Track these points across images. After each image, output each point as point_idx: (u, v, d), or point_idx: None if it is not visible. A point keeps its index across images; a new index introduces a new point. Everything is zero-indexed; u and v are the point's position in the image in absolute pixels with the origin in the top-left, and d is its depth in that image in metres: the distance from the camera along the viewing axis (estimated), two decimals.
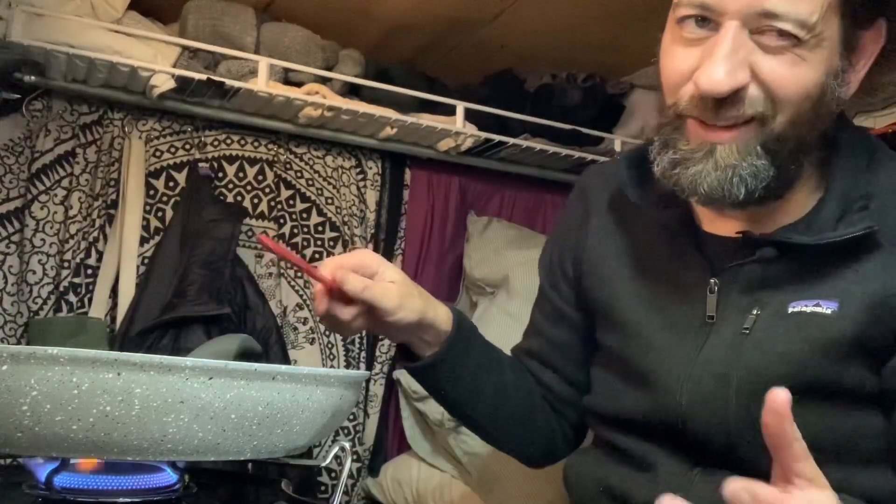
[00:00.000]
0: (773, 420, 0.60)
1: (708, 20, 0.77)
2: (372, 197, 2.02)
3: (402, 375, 1.87)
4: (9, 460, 1.16)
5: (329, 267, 0.87)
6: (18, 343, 1.62)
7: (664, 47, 0.83)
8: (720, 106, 0.77)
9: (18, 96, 1.66)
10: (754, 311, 0.83)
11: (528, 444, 1.06)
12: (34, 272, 1.65)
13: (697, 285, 0.88)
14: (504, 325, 1.73)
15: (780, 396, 0.59)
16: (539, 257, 1.12)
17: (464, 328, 0.97)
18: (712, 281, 0.86)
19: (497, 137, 1.92)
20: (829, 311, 0.79)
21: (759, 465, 0.77)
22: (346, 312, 0.88)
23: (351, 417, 1.87)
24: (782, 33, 0.74)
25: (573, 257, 1.03)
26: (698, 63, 0.77)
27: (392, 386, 1.92)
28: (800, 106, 0.77)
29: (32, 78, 1.61)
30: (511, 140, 1.94)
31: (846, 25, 0.77)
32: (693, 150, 0.79)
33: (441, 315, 0.95)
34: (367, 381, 1.91)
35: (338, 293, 0.87)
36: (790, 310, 0.81)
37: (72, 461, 0.87)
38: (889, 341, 0.79)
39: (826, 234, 0.80)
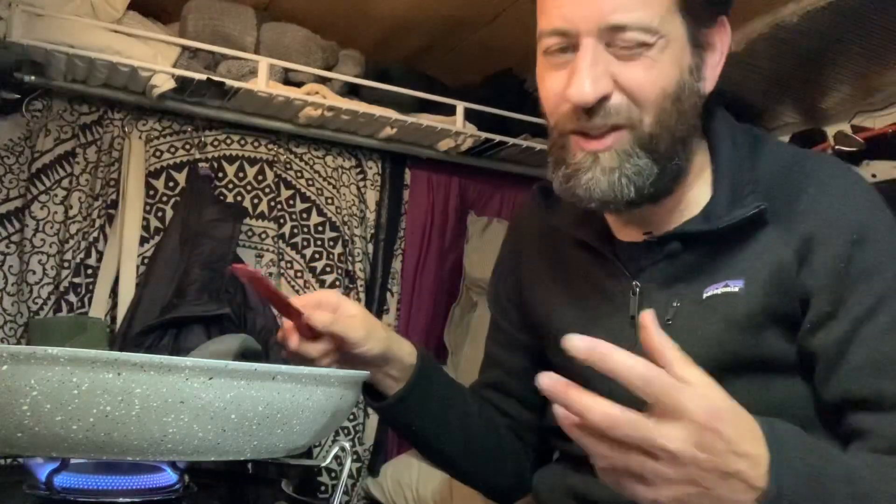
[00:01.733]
0: (645, 335, 0.68)
1: (568, 46, 0.84)
2: (372, 197, 2.02)
3: None
4: (9, 460, 1.16)
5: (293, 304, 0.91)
6: (18, 343, 1.62)
7: (538, 77, 0.90)
8: (591, 115, 0.84)
9: (18, 96, 1.66)
10: (674, 304, 0.89)
11: (498, 475, 1.09)
12: (34, 272, 1.65)
13: (621, 291, 0.94)
14: None
15: (647, 316, 0.68)
16: (486, 291, 1.15)
17: (427, 360, 1.01)
18: (634, 283, 0.92)
19: (497, 137, 1.92)
20: (737, 289, 0.86)
21: None
22: (314, 349, 0.93)
23: (351, 417, 1.87)
24: (631, 41, 0.82)
25: (514, 286, 1.09)
26: (567, 82, 0.84)
27: None
28: (661, 104, 0.83)
29: (32, 78, 1.61)
30: (511, 140, 1.94)
31: (690, 24, 0.84)
32: (580, 161, 0.86)
33: (405, 348, 0.99)
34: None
35: (305, 330, 0.91)
36: (705, 295, 0.88)
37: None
38: (796, 307, 0.85)
39: (721, 220, 0.87)
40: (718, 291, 0.87)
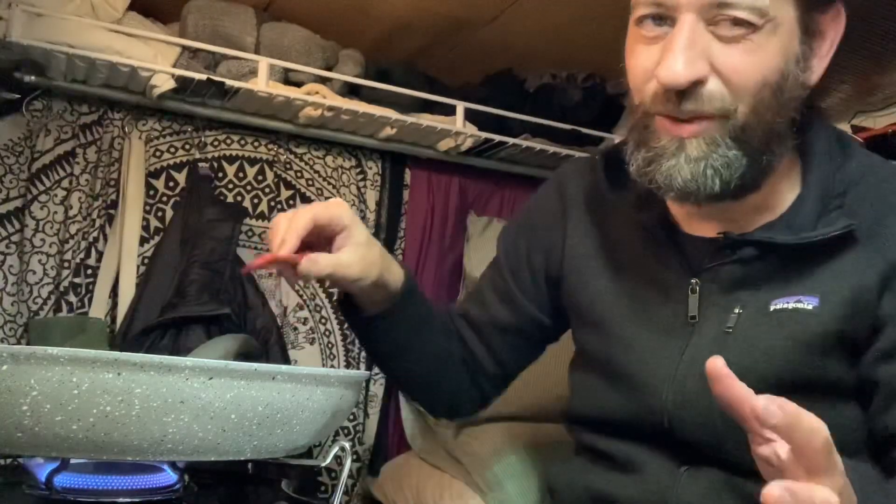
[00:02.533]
0: (722, 388, 0.60)
1: (665, 17, 0.78)
2: (372, 197, 2.02)
3: None
4: (9, 460, 1.16)
5: (301, 227, 0.85)
6: (18, 343, 1.62)
7: (628, 49, 0.84)
8: (682, 99, 0.77)
9: (18, 96, 1.66)
10: (736, 310, 0.84)
11: (435, 399, 1.12)
12: (34, 272, 1.65)
13: (678, 286, 0.89)
14: None
15: (716, 364, 0.60)
16: (500, 233, 1.11)
17: (410, 291, 0.99)
18: (693, 281, 0.87)
19: (497, 137, 1.92)
20: (810, 307, 0.81)
21: (745, 462, 0.78)
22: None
23: (351, 417, 1.87)
24: (737, 21, 0.75)
25: (550, 257, 1.03)
26: (659, 59, 0.78)
27: (392, 386, 1.92)
28: (759, 94, 0.77)
29: (32, 78, 1.61)
30: (511, 140, 1.94)
31: (802, 9, 0.78)
32: (664, 146, 0.80)
33: (394, 276, 0.96)
34: (367, 381, 1.91)
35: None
36: (772, 307, 0.83)
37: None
38: (867, 333, 0.81)
39: (807, 234, 0.81)
40: (789, 306, 0.82)
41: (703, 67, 0.76)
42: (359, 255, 0.90)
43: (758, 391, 0.81)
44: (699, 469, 0.86)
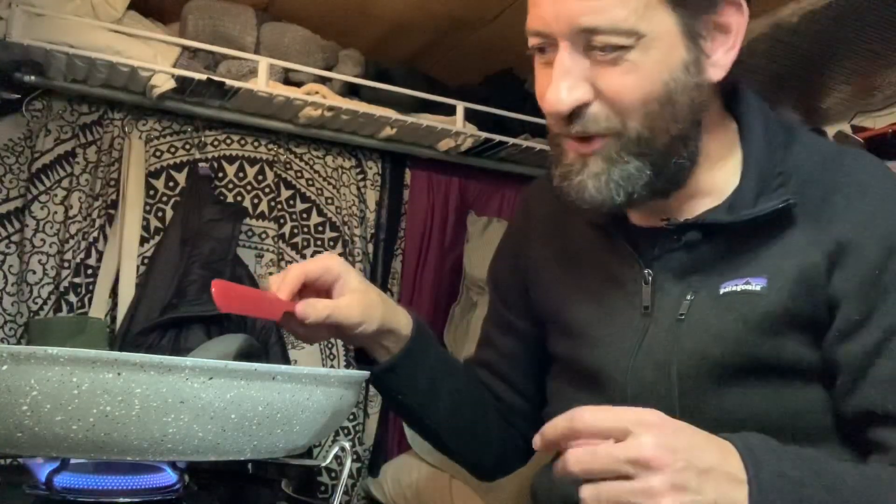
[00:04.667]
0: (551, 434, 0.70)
1: (550, 46, 0.81)
2: (372, 197, 2.02)
3: None
4: (9, 460, 1.16)
5: (292, 279, 0.87)
6: (18, 343, 1.62)
7: (534, 72, 0.87)
8: (570, 122, 0.81)
9: (18, 96, 1.66)
10: (688, 297, 0.85)
11: (481, 454, 1.08)
12: (34, 272, 1.65)
13: (633, 278, 0.90)
14: None
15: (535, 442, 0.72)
16: (488, 269, 1.14)
17: (422, 334, 0.99)
18: (646, 272, 0.89)
19: (497, 137, 1.92)
20: (758, 288, 0.82)
21: None
22: (309, 329, 0.90)
23: (351, 417, 1.87)
24: (607, 45, 0.77)
25: (520, 269, 1.06)
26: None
27: None
28: (645, 109, 0.79)
29: (32, 78, 1.61)
30: (511, 140, 1.94)
31: (683, 15, 0.78)
32: (571, 163, 0.84)
33: (401, 321, 0.96)
34: (367, 381, 1.91)
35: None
36: (721, 291, 0.84)
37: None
38: (822, 313, 0.81)
39: (746, 212, 0.83)
40: (738, 288, 0.83)
41: (585, 92, 0.79)
42: (356, 299, 0.91)
43: (712, 376, 0.83)
44: None
